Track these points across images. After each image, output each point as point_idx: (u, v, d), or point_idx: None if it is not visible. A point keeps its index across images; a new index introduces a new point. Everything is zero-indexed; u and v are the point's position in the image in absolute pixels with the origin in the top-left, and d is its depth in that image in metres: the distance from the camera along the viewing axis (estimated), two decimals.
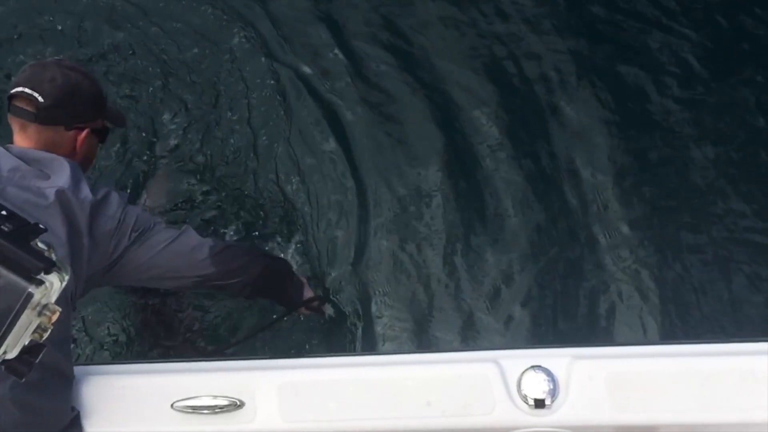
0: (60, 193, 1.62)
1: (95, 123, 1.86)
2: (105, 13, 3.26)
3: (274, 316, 2.47)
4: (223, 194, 2.85)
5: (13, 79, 1.76)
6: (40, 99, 1.70)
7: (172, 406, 1.66)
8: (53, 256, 1.00)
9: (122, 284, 2.30)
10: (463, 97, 3.14)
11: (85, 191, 1.67)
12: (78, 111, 1.79)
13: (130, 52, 3.17)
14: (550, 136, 3.05)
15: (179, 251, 1.82)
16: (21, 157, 1.68)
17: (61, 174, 1.67)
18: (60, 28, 3.23)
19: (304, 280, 2.37)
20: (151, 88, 3.10)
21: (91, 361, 2.32)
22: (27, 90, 1.71)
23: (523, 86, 3.18)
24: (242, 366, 1.79)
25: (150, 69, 3.14)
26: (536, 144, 3.05)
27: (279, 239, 2.77)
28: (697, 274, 2.73)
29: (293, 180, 2.90)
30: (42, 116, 1.72)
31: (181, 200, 2.81)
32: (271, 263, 2.20)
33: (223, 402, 1.66)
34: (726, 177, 2.92)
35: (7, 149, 1.71)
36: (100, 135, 1.91)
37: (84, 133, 1.81)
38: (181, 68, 3.17)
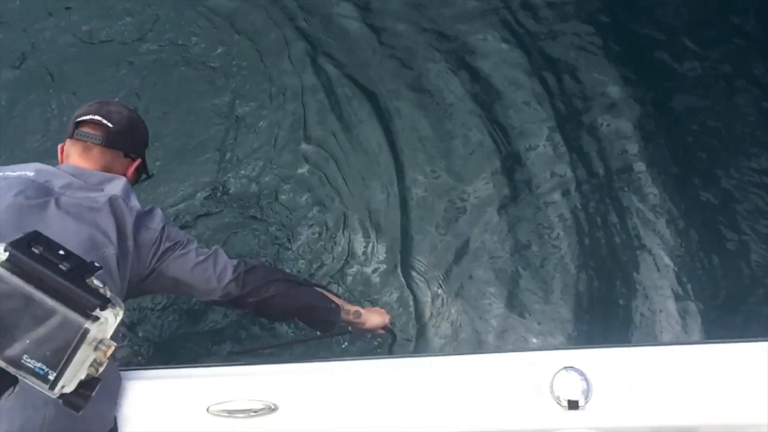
0: (112, 198, 1.80)
1: (142, 158, 2.10)
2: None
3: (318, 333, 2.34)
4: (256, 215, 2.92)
5: (77, 111, 1.97)
6: (110, 125, 1.95)
7: (207, 410, 1.69)
8: (108, 293, 1.03)
9: (152, 293, 2.37)
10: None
11: (134, 201, 1.86)
12: (135, 143, 2.06)
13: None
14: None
15: (207, 270, 1.95)
16: (75, 175, 1.85)
17: (115, 186, 1.86)
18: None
19: (345, 306, 2.24)
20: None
21: (128, 365, 2.36)
22: (97, 117, 1.95)
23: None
24: (276, 370, 1.81)
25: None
26: (583, 146, 3.08)
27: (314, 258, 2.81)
28: (742, 273, 2.68)
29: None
30: (109, 140, 1.95)
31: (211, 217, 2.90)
32: (291, 288, 2.11)
33: (258, 405, 1.68)
34: None
35: (58, 168, 1.88)
36: (139, 173, 2.11)
37: (136, 163, 2.05)
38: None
